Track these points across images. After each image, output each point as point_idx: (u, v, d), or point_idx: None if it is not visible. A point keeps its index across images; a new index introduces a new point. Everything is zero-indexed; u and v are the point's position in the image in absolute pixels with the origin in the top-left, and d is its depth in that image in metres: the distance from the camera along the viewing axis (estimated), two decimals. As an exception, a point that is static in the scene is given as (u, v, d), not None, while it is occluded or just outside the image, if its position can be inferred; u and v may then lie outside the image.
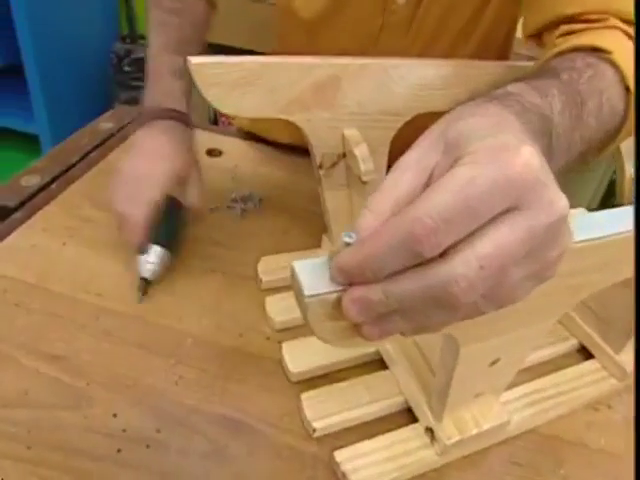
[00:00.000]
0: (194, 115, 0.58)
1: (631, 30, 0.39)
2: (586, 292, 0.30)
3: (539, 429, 0.41)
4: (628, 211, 0.28)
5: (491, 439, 0.38)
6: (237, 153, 0.69)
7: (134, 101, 1.88)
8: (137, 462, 0.34)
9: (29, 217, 0.55)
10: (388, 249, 0.20)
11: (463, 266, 0.20)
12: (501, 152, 0.21)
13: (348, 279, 0.21)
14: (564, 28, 0.41)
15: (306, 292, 0.22)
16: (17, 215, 0.55)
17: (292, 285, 0.23)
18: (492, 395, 0.38)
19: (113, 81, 1.87)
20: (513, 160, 0.21)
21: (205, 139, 0.70)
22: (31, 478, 0.33)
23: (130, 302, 0.46)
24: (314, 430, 0.37)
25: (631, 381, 0.44)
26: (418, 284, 0.21)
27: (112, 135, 0.70)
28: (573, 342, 0.48)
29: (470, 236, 0.20)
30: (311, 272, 0.22)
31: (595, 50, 0.38)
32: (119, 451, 0.35)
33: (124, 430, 0.36)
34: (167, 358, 0.42)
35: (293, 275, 0.22)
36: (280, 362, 0.42)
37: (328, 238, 0.51)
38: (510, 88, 0.29)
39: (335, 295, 0.22)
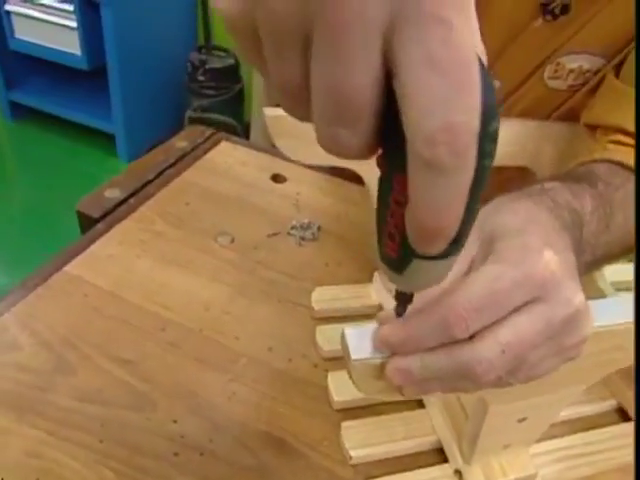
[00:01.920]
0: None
1: None
2: (612, 368, 0.32)
3: (566, 484, 0.42)
4: None
5: (517, 489, 0.40)
6: (301, 180, 0.73)
7: (204, 109, 1.98)
8: (192, 467, 0.39)
9: (109, 229, 0.61)
10: (426, 330, 0.24)
11: (487, 350, 0.24)
12: (525, 253, 0.25)
13: (391, 350, 0.25)
14: (619, 137, 0.44)
15: (353, 356, 0.25)
16: (99, 226, 0.61)
17: (342, 347, 0.26)
18: (521, 447, 0.40)
19: (187, 89, 1.97)
20: (535, 262, 0.24)
21: (271, 164, 0.75)
22: (101, 468, 0.38)
23: (193, 317, 0.51)
24: (351, 457, 0.40)
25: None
26: (449, 360, 0.24)
27: (186, 154, 0.76)
28: (612, 402, 0.49)
29: (495, 323, 0.24)
30: (359, 338, 0.26)
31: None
32: (176, 454, 0.39)
33: (182, 436, 0.41)
34: (223, 374, 0.46)
35: (343, 339, 0.26)
36: (325, 389, 0.46)
37: (380, 275, 0.54)
38: (546, 185, 0.32)
39: (379, 361, 0.25)
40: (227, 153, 0.76)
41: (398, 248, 0.20)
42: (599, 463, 0.44)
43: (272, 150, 0.81)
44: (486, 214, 0.27)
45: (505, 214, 0.27)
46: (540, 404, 0.33)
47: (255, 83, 1.80)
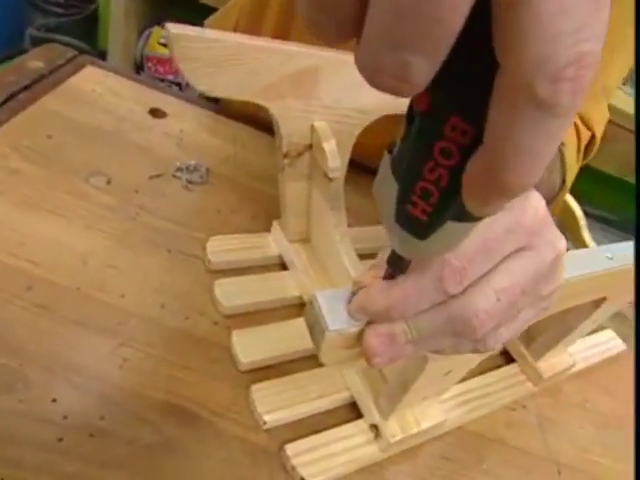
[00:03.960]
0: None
1: (583, 130, 0.47)
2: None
3: (466, 427, 0.44)
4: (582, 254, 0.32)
5: (428, 436, 0.41)
6: (183, 117, 0.65)
7: (50, 28, 1.71)
8: (82, 452, 0.33)
9: (-55, 163, 0.49)
10: (418, 291, 0.21)
11: (482, 299, 0.22)
12: None
13: (372, 318, 0.22)
14: None
15: (330, 327, 0.21)
16: None
17: (309, 313, 0.22)
18: (435, 397, 0.40)
19: (28, 2, 1.68)
20: (523, 207, 0.23)
21: (148, 97, 0.66)
22: (-40, 467, 0.31)
23: (67, 273, 0.43)
24: (265, 422, 0.37)
25: (545, 385, 0.49)
26: (441, 318, 0.22)
27: (43, 77, 0.63)
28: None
29: (487, 273, 0.22)
30: (332, 304, 0.22)
31: None
32: (60, 440, 0.33)
33: (65, 417, 0.34)
34: (110, 338, 0.40)
35: (313, 304, 0.22)
36: (227, 349, 0.42)
37: (280, 225, 0.50)
38: None
39: (355, 329, 0.22)
40: (95, 80, 0.65)
41: (432, 209, 0.16)
42: (492, 403, 0.46)
43: (146, 81, 0.71)
44: None
45: None
46: (470, 356, 0.33)
47: (113, 5, 1.59)
